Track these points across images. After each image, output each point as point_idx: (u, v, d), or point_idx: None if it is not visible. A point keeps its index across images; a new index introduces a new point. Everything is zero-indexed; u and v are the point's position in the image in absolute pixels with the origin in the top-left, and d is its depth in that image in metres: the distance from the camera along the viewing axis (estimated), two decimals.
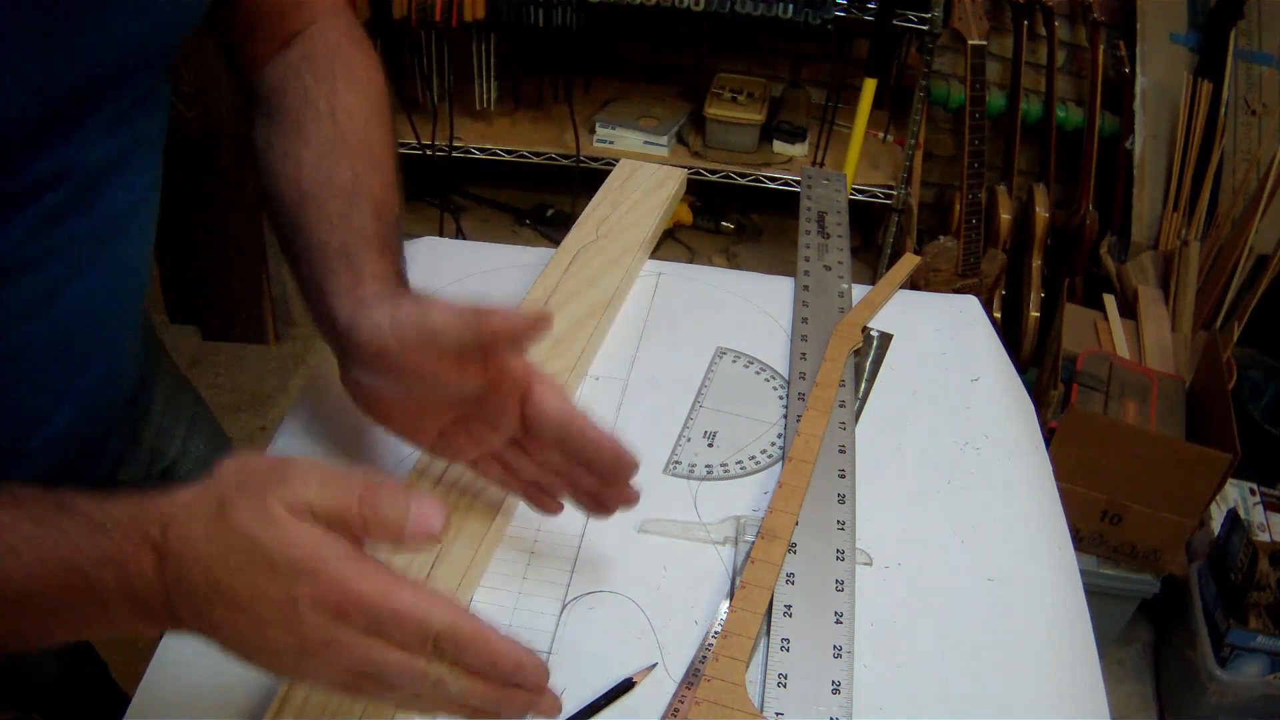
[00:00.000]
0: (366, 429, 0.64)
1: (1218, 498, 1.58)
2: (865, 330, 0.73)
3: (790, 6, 1.70)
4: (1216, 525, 1.55)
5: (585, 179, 1.93)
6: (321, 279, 0.52)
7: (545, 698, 0.40)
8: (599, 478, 0.50)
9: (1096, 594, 1.43)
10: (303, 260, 0.54)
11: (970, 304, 0.78)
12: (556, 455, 0.51)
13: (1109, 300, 1.77)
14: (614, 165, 0.88)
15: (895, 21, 1.74)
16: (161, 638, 0.52)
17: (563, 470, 0.52)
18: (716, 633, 0.52)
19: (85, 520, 0.38)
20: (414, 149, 1.99)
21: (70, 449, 0.56)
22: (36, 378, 0.51)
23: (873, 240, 2.25)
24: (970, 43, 1.82)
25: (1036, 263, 2.03)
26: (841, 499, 0.59)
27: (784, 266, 0.80)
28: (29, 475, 0.54)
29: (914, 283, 1.69)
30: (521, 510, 0.59)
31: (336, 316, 0.50)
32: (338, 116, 0.57)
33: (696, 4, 1.71)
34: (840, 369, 0.68)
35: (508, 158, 2.01)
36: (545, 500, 0.54)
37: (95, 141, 0.48)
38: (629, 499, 0.51)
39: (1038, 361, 1.96)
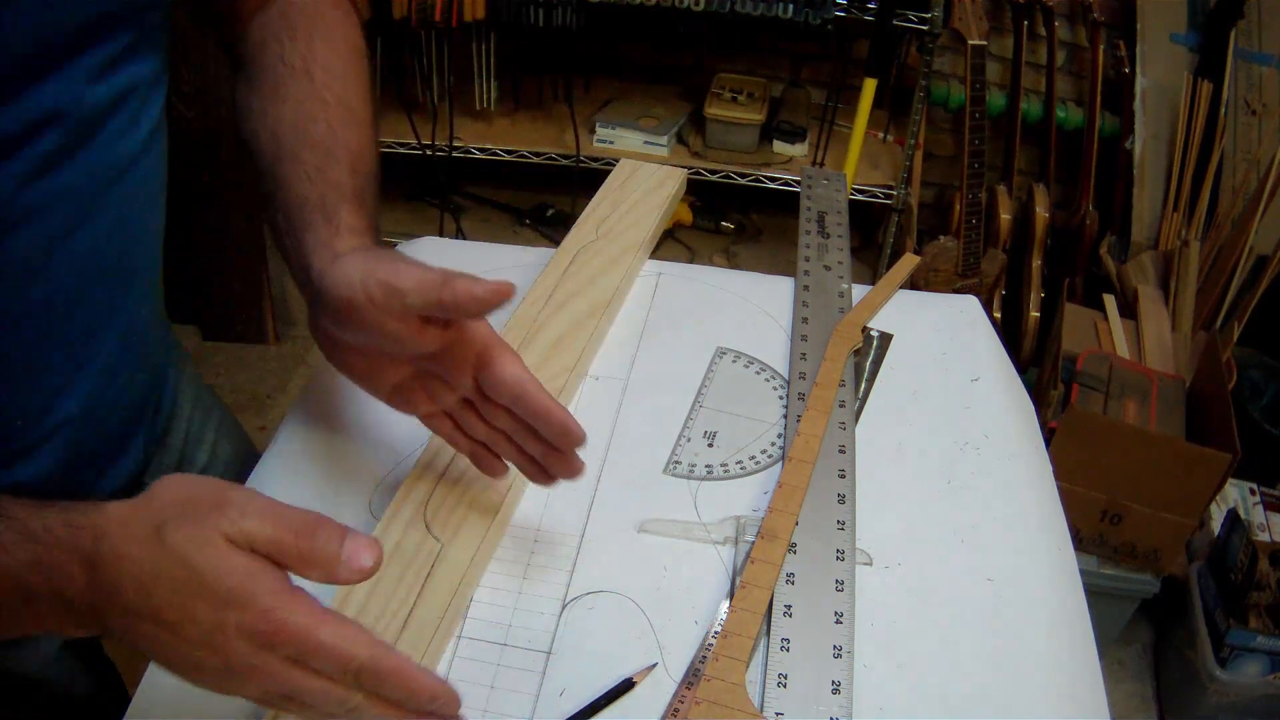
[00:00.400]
0: (366, 428, 0.64)
1: (1218, 498, 1.58)
2: (865, 330, 0.73)
3: (790, 6, 1.70)
4: (1216, 525, 1.55)
5: (585, 179, 1.93)
6: (299, 231, 0.53)
7: None
8: (546, 445, 0.52)
9: (1096, 594, 1.43)
10: (281, 213, 0.55)
11: (970, 304, 0.78)
12: (507, 419, 0.52)
13: (1109, 300, 1.77)
14: (614, 165, 0.88)
15: (895, 21, 1.74)
16: None
17: (512, 433, 0.53)
18: (716, 633, 0.52)
19: (17, 525, 0.39)
20: (414, 149, 1.99)
21: (90, 435, 0.56)
22: (51, 338, 0.51)
23: (873, 240, 2.25)
24: (970, 43, 1.82)
25: (1036, 263, 2.03)
26: (841, 499, 0.59)
27: (784, 266, 0.80)
28: (50, 466, 0.54)
29: (914, 283, 1.70)
30: (522, 510, 0.59)
31: (311, 267, 0.51)
32: (314, 73, 0.58)
33: (696, 4, 1.71)
34: (840, 369, 0.68)
35: (508, 158, 2.01)
36: (491, 461, 0.55)
37: (89, 86, 0.48)
38: (573, 470, 0.53)
39: (1038, 361, 1.96)
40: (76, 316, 0.53)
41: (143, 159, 0.55)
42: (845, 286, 0.77)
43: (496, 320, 0.69)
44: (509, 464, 0.55)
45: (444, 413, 0.55)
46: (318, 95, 0.58)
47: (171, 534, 0.38)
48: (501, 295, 0.46)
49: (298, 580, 0.40)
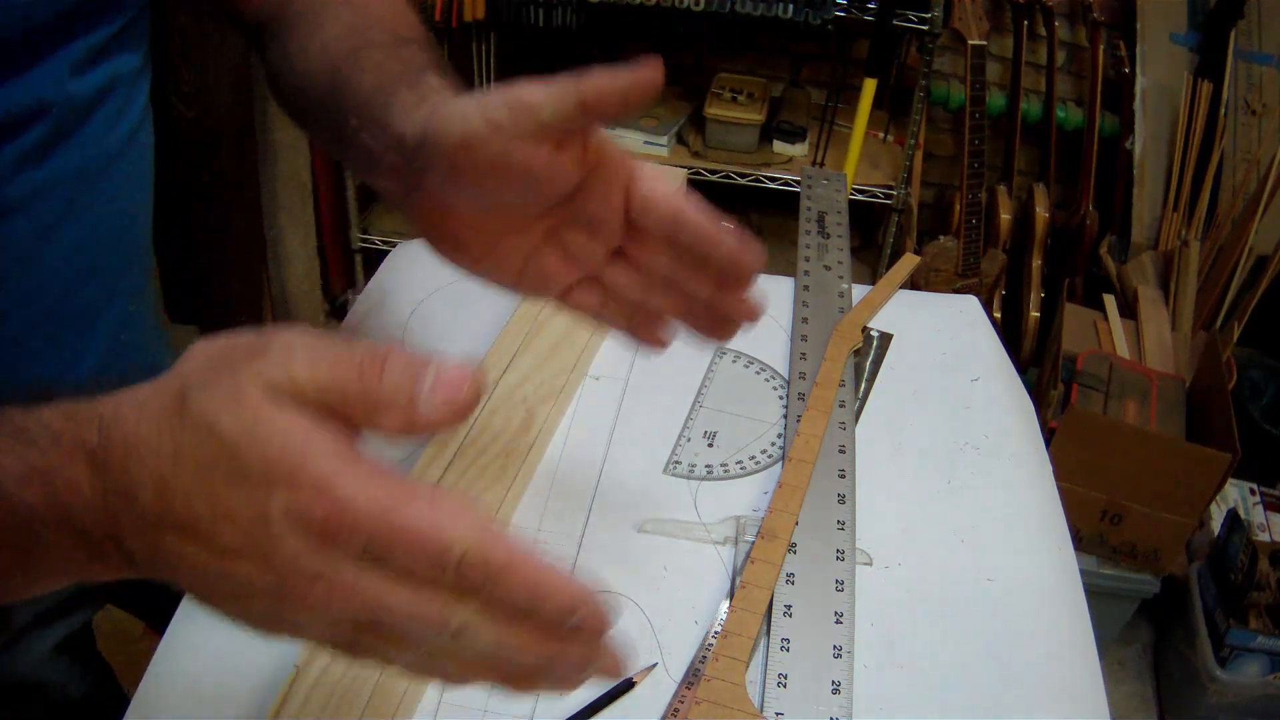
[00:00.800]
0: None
1: (1218, 498, 1.58)
2: (865, 330, 0.73)
3: (790, 6, 1.70)
4: (1216, 525, 1.55)
5: None
6: (382, 114, 0.43)
7: (606, 652, 0.31)
8: (716, 281, 0.43)
9: (1096, 594, 1.43)
10: (352, 112, 0.45)
11: (970, 304, 0.78)
12: (666, 259, 0.43)
13: (1109, 300, 1.77)
14: None
15: (895, 21, 1.74)
16: (161, 639, 0.51)
17: (673, 279, 0.44)
18: (716, 633, 0.52)
19: (5, 425, 0.30)
20: None
21: None
22: (41, 334, 0.51)
23: (873, 240, 2.25)
24: (970, 43, 1.82)
25: (1036, 263, 2.03)
26: (841, 499, 0.59)
27: (784, 266, 0.80)
28: None
29: (914, 283, 1.69)
30: (522, 510, 0.59)
31: (407, 133, 0.41)
32: (353, 2, 0.52)
33: (696, 4, 1.71)
34: (840, 369, 0.68)
35: None
36: (653, 328, 0.46)
37: (73, 78, 0.48)
38: (749, 309, 0.44)
39: (1038, 361, 1.96)
40: (67, 311, 0.52)
41: (129, 152, 0.54)
42: (845, 286, 0.77)
43: (496, 320, 0.69)
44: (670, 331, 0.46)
45: (588, 281, 0.45)
46: (363, 13, 0.51)
47: (195, 398, 0.28)
48: (650, 81, 0.37)
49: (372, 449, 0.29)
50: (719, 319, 0.45)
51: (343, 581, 0.28)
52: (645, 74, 0.37)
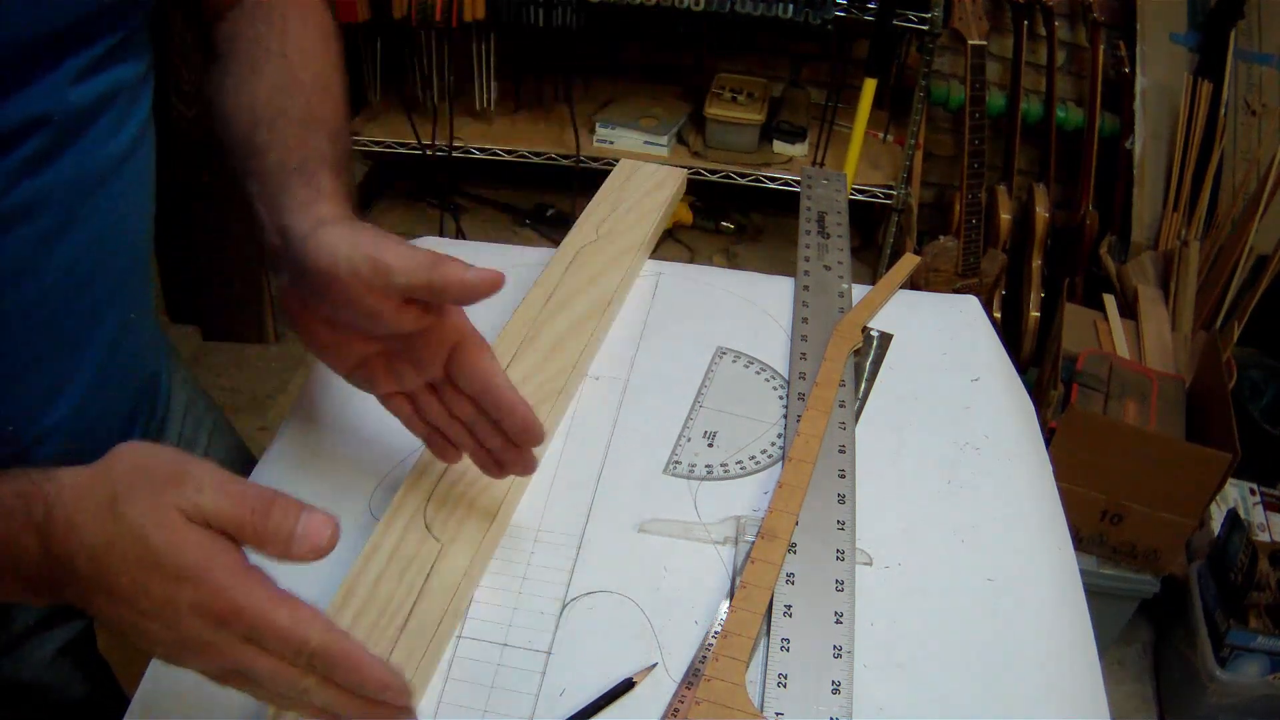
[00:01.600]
0: (366, 428, 0.64)
1: (1218, 498, 1.58)
2: (865, 330, 0.73)
3: (790, 6, 1.70)
4: (1216, 525, 1.55)
5: (585, 179, 1.93)
6: (277, 194, 0.51)
7: (407, 713, 0.42)
8: (504, 439, 0.52)
9: (1096, 594, 1.43)
10: (255, 179, 0.53)
11: (970, 304, 0.78)
12: (469, 408, 0.52)
13: (1109, 300, 1.77)
14: (614, 165, 0.88)
15: (895, 21, 1.74)
16: None
17: (472, 424, 0.53)
18: (716, 633, 0.52)
19: None
20: (414, 149, 1.99)
21: (82, 441, 0.56)
22: (39, 343, 0.51)
23: (873, 240, 2.25)
24: (970, 43, 1.82)
25: (1036, 263, 2.03)
26: (841, 499, 0.59)
27: (784, 266, 0.80)
28: (44, 465, 0.54)
29: (914, 283, 1.70)
30: (522, 510, 0.59)
31: (289, 229, 0.49)
32: (289, 54, 0.58)
33: (696, 4, 1.71)
34: (840, 369, 0.68)
35: (508, 158, 2.01)
36: (446, 448, 0.55)
37: (74, 88, 0.48)
38: (527, 467, 0.53)
39: (1038, 361, 1.96)
40: (66, 320, 0.52)
41: (130, 161, 0.55)
42: (845, 286, 0.77)
43: (495, 321, 0.69)
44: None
45: (403, 394, 0.54)
46: (294, 74, 0.57)
47: (126, 506, 0.37)
48: (492, 284, 0.45)
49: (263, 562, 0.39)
50: (499, 464, 0.54)
51: (226, 649, 0.38)
52: (492, 277, 0.45)
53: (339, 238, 0.47)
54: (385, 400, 0.54)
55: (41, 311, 0.51)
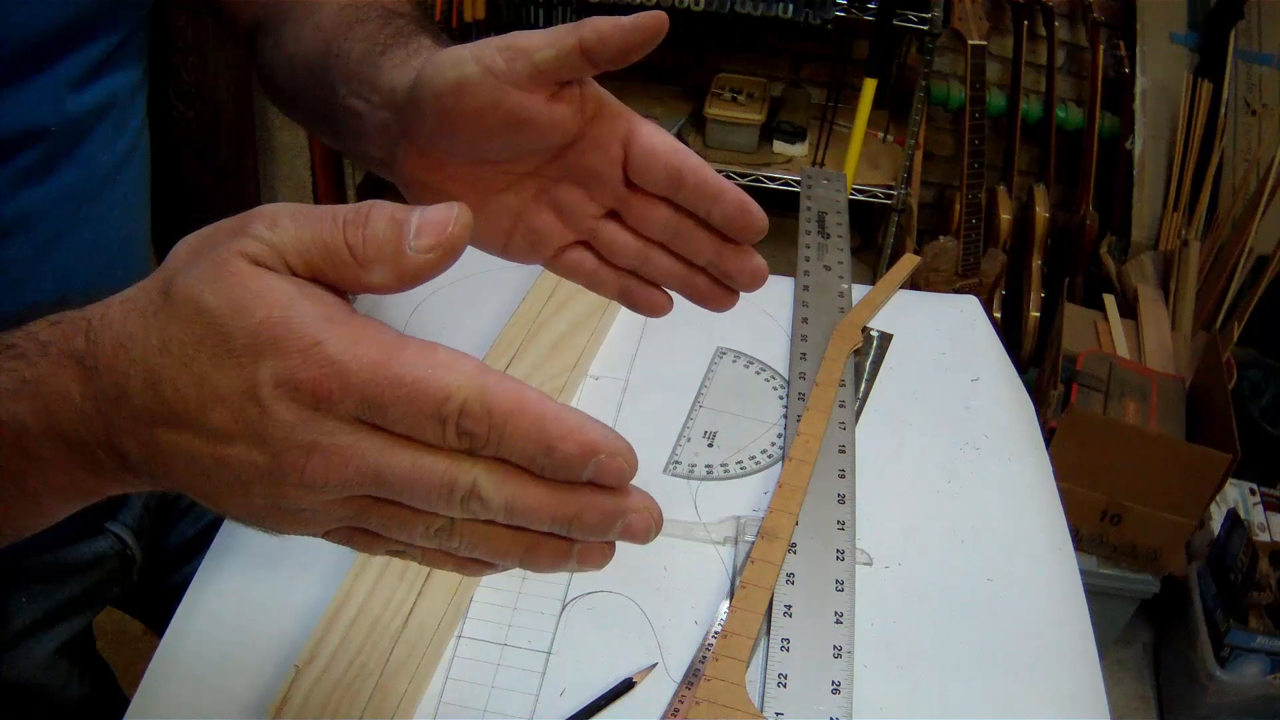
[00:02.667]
0: None
1: (1218, 498, 1.58)
2: (865, 330, 0.73)
3: (790, 6, 1.70)
4: (1216, 525, 1.55)
5: None
6: (372, 73, 0.42)
7: (637, 505, 0.29)
8: (720, 238, 0.41)
9: (1096, 594, 1.43)
10: (340, 83, 0.44)
11: (970, 304, 0.78)
12: (666, 214, 0.41)
13: (1109, 300, 1.77)
14: None
15: (895, 21, 1.74)
16: (161, 639, 0.51)
17: (674, 237, 0.41)
18: (716, 633, 0.52)
19: None
20: None
21: None
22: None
23: (873, 240, 2.25)
24: (970, 43, 1.82)
25: (1036, 263, 2.03)
26: (841, 499, 0.59)
27: (784, 266, 0.80)
28: None
29: (914, 283, 1.69)
30: None
31: (396, 85, 0.40)
32: None
33: (696, 4, 1.71)
34: (840, 369, 0.68)
35: None
36: (653, 295, 0.43)
37: (71, 94, 0.48)
38: (755, 271, 0.41)
39: (1038, 361, 1.96)
40: None
41: (126, 168, 0.54)
42: (845, 286, 0.77)
43: (496, 320, 0.69)
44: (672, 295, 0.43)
45: (581, 244, 0.43)
46: (355, 4, 0.49)
47: (181, 282, 0.27)
48: (654, 27, 0.35)
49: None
50: (719, 283, 0.42)
51: (340, 449, 0.26)
52: (649, 21, 0.35)
53: (457, 51, 0.38)
54: (558, 263, 0.43)
55: None
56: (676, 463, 0.63)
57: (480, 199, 0.41)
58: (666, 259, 0.42)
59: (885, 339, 0.74)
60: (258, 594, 0.53)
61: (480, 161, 0.40)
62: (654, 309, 0.44)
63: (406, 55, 0.41)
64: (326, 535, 0.29)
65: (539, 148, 0.39)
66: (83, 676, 0.67)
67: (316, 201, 2.09)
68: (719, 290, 0.42)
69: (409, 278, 0.28)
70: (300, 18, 0.51)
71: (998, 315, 2.08)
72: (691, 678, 0.50)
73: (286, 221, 0.27)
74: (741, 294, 0.43)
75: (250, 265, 0.27)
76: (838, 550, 0.56)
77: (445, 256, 0.28)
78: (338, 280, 0.28)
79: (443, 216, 0.28)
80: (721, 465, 0.63)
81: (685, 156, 0.39)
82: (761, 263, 0.41)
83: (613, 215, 0.42)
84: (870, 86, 1.78)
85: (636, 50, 0.36)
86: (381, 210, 0.28)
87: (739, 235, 0.40)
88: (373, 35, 0.45)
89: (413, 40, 0.43)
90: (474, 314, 0.71)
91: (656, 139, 0.39)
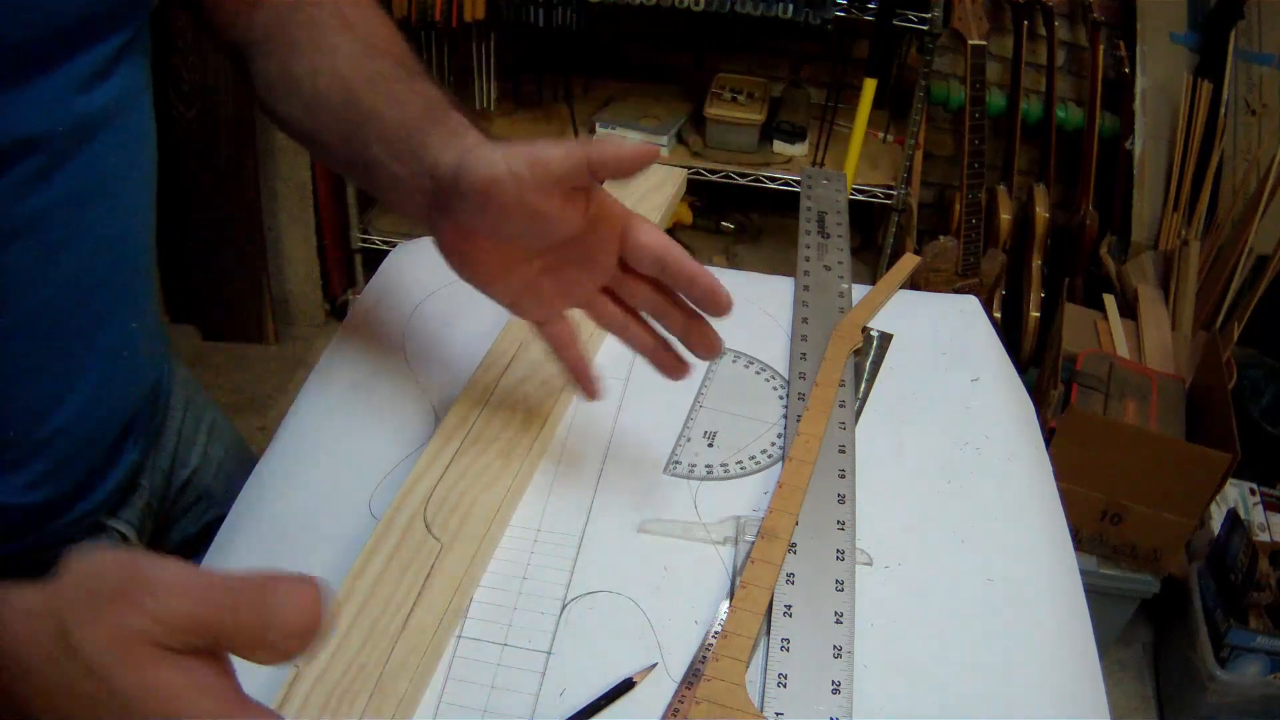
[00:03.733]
0: (366, 428, 0.64)
1: (1218, 498, 1.58)
2: (865, 330, 0.73)
3: (790, 6, 1.70)
4: (1216, 525, 1.55)
5: None
6: (412, 145, 0.51)
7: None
8: (691, 313, 0.52)
9: (1096, 594, 1.43)
10: (378, 142, 0.52)
11: (970, 304, 0.78)
12: (648, 292, 0.52)
13: (1109, 300, 1.77)
14: None
15: (895, 21, 1.74)
16: None
17: (653, 310, 0.53)
18: (716, 633, 0.52)
19: None
20: None
21: (85, 444, 0.56)
22: (41, 353, 0.51)
23: (873, 240, 2.25)
24: (970, 43, 1.82)
25: (1036, 263, 2.04)
26: (841, 499, 0.59)
27: (784, 266, 0.80)
28: (45, 470, 0.54)
29: (914, 283, 1.70)
30: (522, 510, 0.59)
31: (440, 165, 0.49)
32: (355, 28, 0.56)
33: (696, 4, 1.71)
34: (840, 369, 0.68)
35: None
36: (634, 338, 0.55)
37: (78, 96, 0.48)
38: (714, 344, 0.53)
39: (1038, 361, 1.96)
40: (69, 329, 0.52)
41: (132, 171, 0.54)
42: (845, 286, 0.77)
43: (496, 320, 0.69)
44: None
45: (575, 307, 0.54)
46: (367, 41, 0.56)
47: (80, 639, 0.31)
48: (649, 154, 0.46)
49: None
50: (679, 358, 0.54)
51: None
52: (644, 151, 0.45)
53: (492, 152, 0.47)
54: (549, 327, 0.54)
55: (43, 322, 0.51)
56: (676, 463, 0.63)
57: (502, 268, 0.52)
58: (642, 331, 0.54)
59: (885, 339, 0.74)
60: None
61: (505, 240, 0.50)
62: (654, 357, 0.55)
63: (448, 135, 0.50)
64: None
65: (552, 236, 0.49)
66: None
67: (316, 202, 2.09)
68: (679, 362, 0.54)
69: (279, 655, 0.32)
70: (312, 55, 0.55)
71: (998, 315, 2.08)
72: (691, 678, 0.50)
73: (164, 597, 0.31)
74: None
75: (149, 647, 0.31)
76: (838, 550, 0.56)
77: (305, 647, 0.32)
78: (219, 649, 0.32)
79: (305, 602, 0.32)
80: (721, 465, 0.63)
81: (669, 248, 0.50)
82: (718, 338, 0.53)
83: (605, 289, 0.53)
84: (870, 86, 1.78)
85: (632, 172, 0.46)
86: (253, 593, 0.31)
87: (709, 310, 0.51)
88: (402, 100, 0.52)
89: (447, 117, 0.51)
90: (474, 314, 0.71)
91: (647, 236, 0.50)
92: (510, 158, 0.46)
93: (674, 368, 0.54)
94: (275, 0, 0.58)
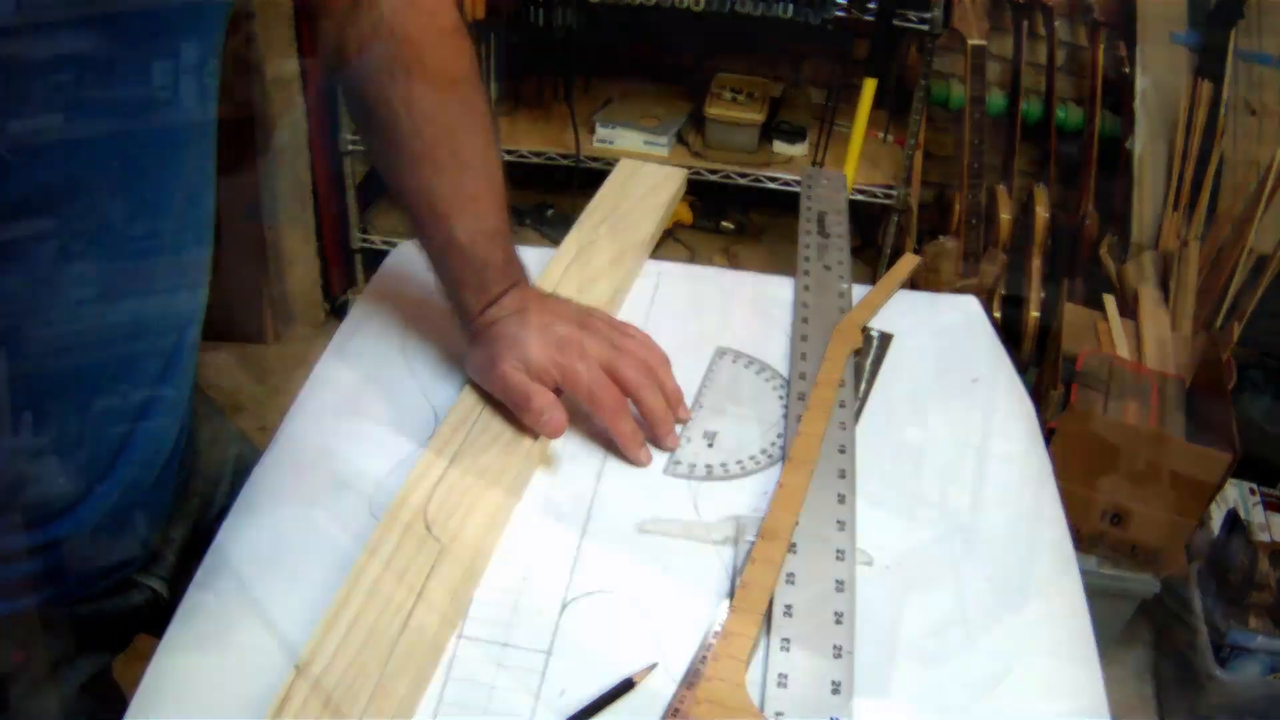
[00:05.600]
0: (366, 429, 0.64)
1: (1218, 498, 1.58)
2: (865, 330, 0.73)
3: (790, 6, 1.70)
4: (1216, 525, 1.55)
5: (585, 179, 1.93)
6: (456, 285, 0.64)
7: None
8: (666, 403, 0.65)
9: (1096, 594, 1.43)
10: (433, 262, 0.65)
11: (970, 304, 0.78)
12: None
13: (1109, 300, 1.77)
14: (614, 165, 0.88)
15: (895, 21, 1.74)
16: (161, 639, 0.52)
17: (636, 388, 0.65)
18: (716, 633, 0.52)
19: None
20: None
21: (129, 493, 0.57)
22: (116, 397, 0.54)
23: (873, 240, 2.25)
24: (970, 43, 1.82)
25: (1036, 263, 2.03)
26: (841, 499, 0.59)
27: (784, 266, 0.80)
28: (91, 521, 0.55)
29: (914, 283, 1.69)
30: (522, 510, 0.59)
31: (468, 309, 0.64)
32: (423, 131, 0.62)
33: (696, 4, 1.71)
34: (840, 369, 0.68)
35: (508, 157, 2.01)
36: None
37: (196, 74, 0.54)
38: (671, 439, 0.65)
39: (1038, 361, 1.96)
40: (142, 364, 0.57)
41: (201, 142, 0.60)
42: (845, 286, 0.77)
43: None
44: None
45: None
46: (454, 147, 0.63)
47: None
48: (550, 434, 0.60)
49: None
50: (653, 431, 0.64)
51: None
52: (550, 430, 0.60)
53: (474, 361, 0.64)
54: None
55: (118, 358, 0.55)
56: (676, 463, 0.63)
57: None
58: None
59: (885, 339, 0.74)
60: (258, 594, 0.53)
61: None
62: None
63: (477, 298, 0.63)
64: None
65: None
66: (106, 710, 0.67)
67: (316, 202, 2.09)
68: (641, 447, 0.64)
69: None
70: (412, 152, 0.62)
71: (998, 315, 2.08)
72: (691, 678, 0.50)
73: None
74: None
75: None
76: (838, 550, 0.56)
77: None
78: None
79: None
80: (721, 465, 0.63)
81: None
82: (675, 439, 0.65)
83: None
84: (870, 86, 1.78)
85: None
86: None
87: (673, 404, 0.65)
88: (470, 244, 0.63)
89: (485, 282, 0.64)
90: None
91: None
92: (480, 380, 0.63)
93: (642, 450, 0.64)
94: (356, 32, 0.63)
